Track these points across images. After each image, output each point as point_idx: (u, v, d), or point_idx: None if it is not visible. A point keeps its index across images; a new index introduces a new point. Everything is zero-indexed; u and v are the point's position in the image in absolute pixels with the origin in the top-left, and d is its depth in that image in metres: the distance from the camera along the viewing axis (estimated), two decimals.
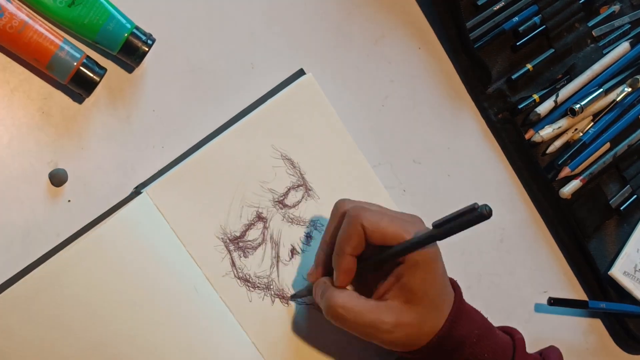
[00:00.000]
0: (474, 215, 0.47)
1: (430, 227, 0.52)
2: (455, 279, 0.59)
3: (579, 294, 0.74)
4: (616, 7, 0.79)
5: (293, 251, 0.62)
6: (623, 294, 0.74)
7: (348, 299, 0.53)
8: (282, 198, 0.62)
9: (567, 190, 0.73)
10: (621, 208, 0.75)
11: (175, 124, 0.62)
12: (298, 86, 0.64)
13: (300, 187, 0.63)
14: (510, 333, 0.60)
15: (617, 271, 0.73)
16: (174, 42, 0.62)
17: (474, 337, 0.56)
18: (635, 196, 0.76)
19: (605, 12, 0.79)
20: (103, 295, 0.55)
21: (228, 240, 0.60)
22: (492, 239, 0.72)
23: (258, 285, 0.61)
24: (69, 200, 0.58)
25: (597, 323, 0.75)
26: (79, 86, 0.56)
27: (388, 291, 0.54)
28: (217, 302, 0.59)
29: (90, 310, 0.55)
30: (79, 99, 0.59)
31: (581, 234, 0.73)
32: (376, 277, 0.56)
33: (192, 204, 0.59)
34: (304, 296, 0.61)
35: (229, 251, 0.60)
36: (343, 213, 0.56)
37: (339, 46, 0.69)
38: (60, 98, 0.59)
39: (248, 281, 0.60)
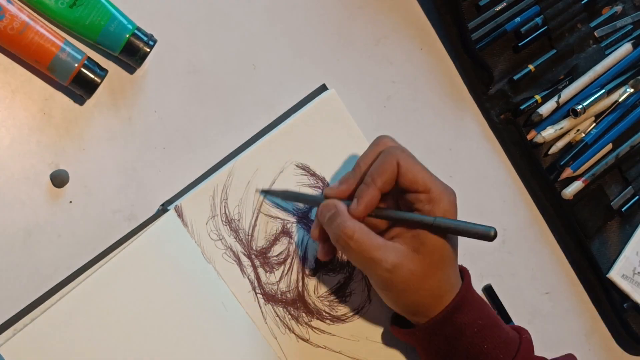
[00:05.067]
0: (480, 230, 0.53)
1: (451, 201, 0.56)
2: (466, 267, 0.60)
3: (581, 296, 0.74)
4: (618, 8, 0.79)
5: (318, 265, 0.62)
6: (625, 295, 0.74)
7: (358, 231, 0.54)
8: (306, 213, 0.63)
9: (569, 191, 0.73)
10: (623, 209, 0.75)
11: (177, 125, 0.61)
12: (321, 102, 0.64)
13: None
14: (520, 332, 0.60)
15: (616, 274, 0.73)
16: (176, 43, 0.62)
17: (476, 326, 0.56)
18: (637, 197, 0.76)
19: (607, 13, 0.79)
20: (133, 315, 0.56)
21: (254, 256, 0.60)
22: (494, 240, 0.72)
23: (284, 300, 0.61)
24: (70, 202, 0.58)
25: (599, 324, 0.75)
26: (80, 87, 0.56)
27: (399, 235, 0.55)
28: (245, 318, 0.59)
29: (120, 330, 0.55)
30: (80, 100, 0.59)
31: (583, 235, 0.73)
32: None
33: (217, 219, 0.60)
34: (299, 202, 0.61)
35: (255, 267, 0.60)
36: (382, 148, 0.56)
37: (341, 47, 0.68)
38: (62, 99, 0.59)
39: (274, 296, 0.61)
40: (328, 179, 0.64)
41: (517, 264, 0.72)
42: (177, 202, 0.59)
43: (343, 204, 0.55)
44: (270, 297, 0.60)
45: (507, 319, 0.70)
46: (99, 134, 0.59)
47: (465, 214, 0.71)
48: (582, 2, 0.76)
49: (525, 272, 0.72)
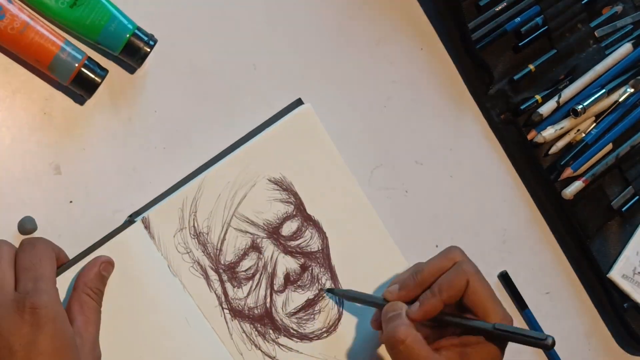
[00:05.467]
0: (539, 341, 0.53)
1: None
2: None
3: (581, 296, 0.74)
4: (619, 8, 0.79)
5: (287, 281, 0.62)
6: (625, 295, 0.74)
7: (411, 338, 0.54)
8: (277, 228, 0.62)
9: (570, 191, 0.73)
10: (623, 209, 0.75)
11: (177, 125, 0.61)
12: (296, 116, 0.63)
13: (296, 218, 0.62)
14: None
15: (616, 274, 0.73)
16: (176, 43, 0.62)
17: None
18: (637, 197, 0.76)
19: (607, 13, 0.79)
20: None
21: (221, 270, 0.60)
22: (494, 240, 0.72)
23: (251, 316, 0.60)
24: (71, 201, 0.58)
25: (600, 324, 0.75)
26: (81, 87, 0.56)
27: (448, 348, 0.55)
28: (210, 334, 0.58)
29: None
30: (81, 100, 0.59)
31: (583, 235, 0.73)
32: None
33: (185, 232, 0.59)
34: (356, 301, 0.61)
35: (222, 281, 0.59)
36: (454, 262, 0.57)
37: (341, 47, 0.68)
38: (62, 99, 0.59)
39: (241, 312, 0.60)
40: (301, 194, 0.63)
41: (517, 263, 0.72)
42: (145, 214, 0.58)
43: (405, 305, 0.56)
44: (237, 313, 0.59)
45: (523, 305, 0.70)
46: (99, 133, 0.59)
47: (465, 214, 0.71)
48: (583, 2, 0.76)
49: (526, 272, 0.72)
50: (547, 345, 0.52)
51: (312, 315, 0.62)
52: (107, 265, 0.55)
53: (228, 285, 0.60)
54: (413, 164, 0.70)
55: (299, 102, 0.64)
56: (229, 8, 0.65)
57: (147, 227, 0.57)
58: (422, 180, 0.70)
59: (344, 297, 0.62)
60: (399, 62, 0.71)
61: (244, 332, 0.60)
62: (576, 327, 0.74)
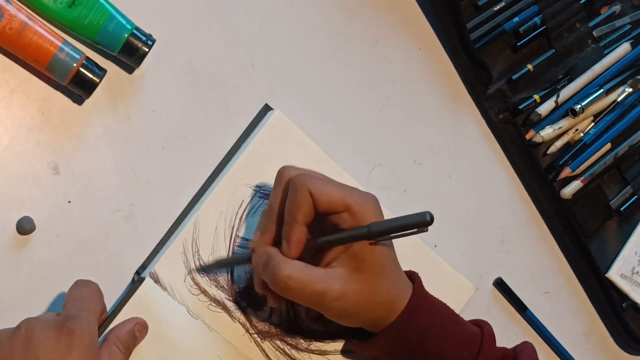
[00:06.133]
0: (415, 218, 0.49)
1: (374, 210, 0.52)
2: (416, 271, 0.59)
3: (580, 295, 0.74)
4: (617, 8, 0.79)
5: None
6: (623, 295, 0.74)
7: (295, 270, 0.51)
8: None
9: (568, 190, 0.73)
10: (621, 209, 0.75)
11: (176, 125, 0.61)
12: (269, 126, 0.62)
13: None
14: (480, 325, 0.59)
15: (614, 274, 0.73)
16: (174, 43, 0.62)
17: (435, 327, 0.55)
18: (636, 197, 0.76)
19: (605, 13, 0.79)
20: None
21: (239, 298, 0.60)
22: (492, 240, 0.72)
23: (279, 332, 0.60)
24: (69, 201, 0.58)
25: (598, 323, 0.75)
26: (79, 87, 0.56)
27: (335, 259, 0.53)
28: None
29: None
30: (79, 100, 0.59)
31: (582, 235, 0.73)
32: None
33: (194, 274, 0.59)
34: (233, 265, 0.60)
35: (242, 309, 0.60)
36: (288, 180, 0.54)
37: (340, 47, 0.68)
38: (60, 99, 0.59)
39: (269, 332, 0.60)
40: None
41: (516, 263, 0.72)
42: (151, 269, 0.58)
43: (274, 248, 0.53)
44: (266, 334, 0.60)
45: (523, 307, 0.70)
46: (97, 133, 0.59)
47: (464, 214, 0.71)
48: (581, 2, 0.76)
49: (524, 272, 0.72)
50: (427, 222, 0.48)
51: None
52: (142, 327, 0.56)
53: (249, 310, 0.60)
54: (412, 163, 0.70)
55: (267, 108, 0.64)
56: (228, 9, 0.65)
57: (156, 280, 0.58)
58: (420, 180, 0.70)
59: (214, 269, 0.60)
60: (398, 61, 0.71)
61: (278, 349, 0.60)
62: (575, 327, 0.74)
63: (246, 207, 0.61)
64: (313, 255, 0.54)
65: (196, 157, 0.62)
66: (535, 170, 0.73)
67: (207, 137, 0.62)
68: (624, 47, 0.77)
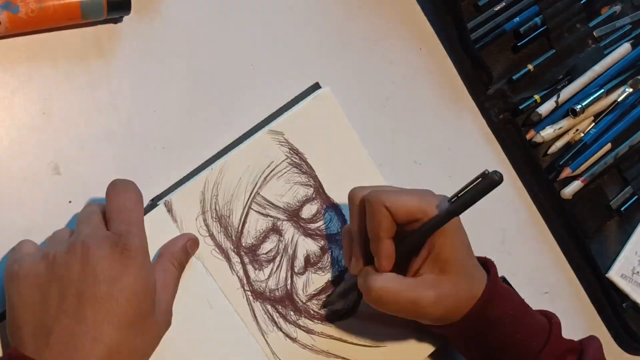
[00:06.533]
0: (486, 182, 0.50)
1: (446, 199, 0.53)
2: (491, 259, 0.60)
3: (580, 295, 0.74)
4: (617, 8, 0.79)
5: (307, 264, 0.62)
6: (624, 295, 0.74)
7: (386, 281, 0.53)
8: (297, 211, 0.62)
9: (568, 191, 0.73)
10: (622, 209, 0.75)
11: (176, 125, 0.61)
12: (315, 100, 0.64)
13: (316, 201, 0.63)
14: (548, 316, 0.60)
15: (615, 274, 0.73)
16: (174, 42, 0.62)
17: (507, 317, 0.56)
18: (636, 197, 0.76)
19: (606, 13, 0.79)
20: None
21: (243, 253, 0.60)
22: (493, 240, 0.72)
23: (272, 298, 0.61)
24: (70, 202, 0.58)
25: (598, 323, 0.75)
26: (119, 9, 0.57)
27: (422, 266, 0.55)
28: (232, 316, 0.59)
29: None
30: (79, 100, 0.59)
31: (582, 235, 0.73)
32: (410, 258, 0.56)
33: (207, 216, 0.59)
34: (345, 294, 0.61)
35: (244, 264, 0.60)
36: (361, 201, 0.56)
37: (340, 47, 0.68)
38: (61, 99, 0.59)
39: (263, 294, 0.60)
40: (320, 177, 0.63)
41: (516, 263, 0.72)
42: (167, 198, 0.58)
43: (370, 267, 0.55)
44: (259, 295, 0.60)
45: None
46: (97, 133, 0.59)
47: (464, 214, 0.71)
48: (581, 2, 0.76)
49: (524, 272, 0.72)
50: (497, 182, 0.49)
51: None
52: (194, 243, 0.57)
53: (249, 267, 0.60)
54: (412, 163, 0.70)
55: (316, 87, 0.65)
56: (228, 8, 0.65)
57: (169, 210, 0.58)
58: (421, 180, 0.70)
59: (336, 300, 0.62)
60: (398, 62, 0.71)
61: (266, 313, 0.60)
62: (575, 327, 0.74)
63: (274, 169, 0.62)
64: (404, 267, 0.56)
65: (197, 157, 0.61)
66: (536, 171, 0.73)
67: (208, 136, 0.62)
68: (625, 48, 0.77)
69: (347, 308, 0.63)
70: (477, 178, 0.50)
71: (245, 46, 0.65)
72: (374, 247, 0.55)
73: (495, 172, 0.49)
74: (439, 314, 0.55)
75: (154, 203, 0.59)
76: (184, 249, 0.56)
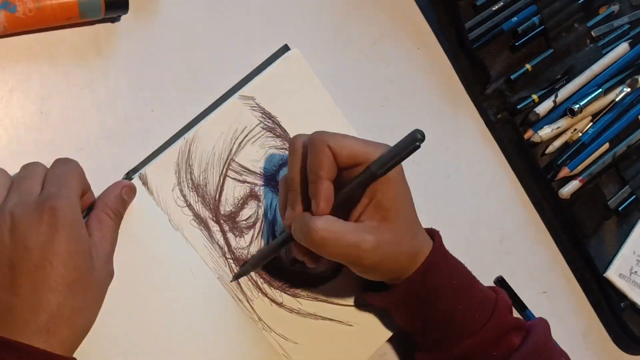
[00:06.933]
0: (410, 137, 0.50)
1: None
2: (437, 229, 0.59)
3: (578, 295, 0.74)
4: (615, 8, 0.79)
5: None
6: (622, 294, 0.74)
7: (328, 222, 0.51)
8: (274, 175, 0.62)
9: (566, 190, 0.73)
10: (620, 209, 0.75)
11: (175, 125, 0.61)
12: (284, 62, 0.64)
13: None
14: (497, 292, 0.59)
15: (613, 273, 0.73)
16: (172, 41, 0.62)
17: (449, 287, 0.56)
18: (634, 196, 0.76)
19: (604, 13, 0.79)
20: None
21: (222, 221, 0.60)
22: (491, 240, 0.72)
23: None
24: None
25: (596, 323, 0.75)
26: (117, 8, 0.57)
27: (363, 213, 0.53)
28: (216, 285, 0.59)
29: None
30: (78, 99, 0.59)
31: (580, 235, 0.73)
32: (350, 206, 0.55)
33: (183, 185, 0.59)
34: (273, 253, 0.59)
35: (224, 232, 0.60)
36: (303, 144, 0.54)
37: (338, 47, 0.69)
38: (59, 99, 0.59)
39: (245, 261, 0.60)
40: None
41: (514, 263, 0.72)
42: (142, 171, 0.58)
43: (307, 212, 0.53)
44: (242, 262, 0.60)
45: (523, 306, 0.70)
46: (95, 133, 0.59)
47: (462, 214, 0.71)
48: (579, 2, 0.76)
49: (523, 272, 0.72)
50: (418, 139, 0.49)
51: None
52: (129, 190, 0.56)
53: (230, 235, 0.60)
54: (410, 163, 0.69)
55: (285, 49, 0.65)
56: (227, 6, 0.65)
57: (144, 183, 0.58)
58: (418, 180, 0.69)
59: (253, 268, 0.60)
60: (396, 61, 0.71)
61: (250, 280, 0.60)
62: (573, 327, 0.74)
63: (247, 134, 0.62)
64: (341, 216, 0.54)
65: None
66: (534, 170, 0.73)
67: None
68: (623, 47, 0.77)
69: (331, 270, 0.62)
70: (407, 142, 0.50)
71: (240, 47, 0.65)
72: (313, 188, 0.53)
73: (418, 131, 0.50)
74: (377, 264, 0.53)
75: (128, 177, 0.58)
76: (118, 198, 0.54)
